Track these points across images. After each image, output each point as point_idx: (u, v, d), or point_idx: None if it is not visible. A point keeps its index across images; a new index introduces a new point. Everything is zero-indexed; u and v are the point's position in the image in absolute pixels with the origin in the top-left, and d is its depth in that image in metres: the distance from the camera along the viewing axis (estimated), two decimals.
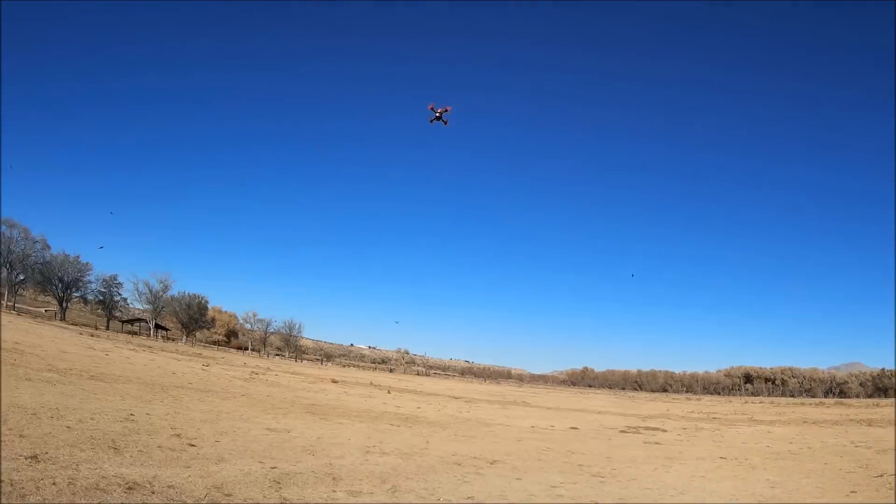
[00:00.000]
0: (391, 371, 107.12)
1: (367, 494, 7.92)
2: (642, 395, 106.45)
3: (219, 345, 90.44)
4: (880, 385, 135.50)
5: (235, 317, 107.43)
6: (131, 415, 11.49)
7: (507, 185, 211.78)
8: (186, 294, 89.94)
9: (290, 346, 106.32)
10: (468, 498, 8.40)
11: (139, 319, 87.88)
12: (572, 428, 22.78)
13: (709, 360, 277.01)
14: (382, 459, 10.90)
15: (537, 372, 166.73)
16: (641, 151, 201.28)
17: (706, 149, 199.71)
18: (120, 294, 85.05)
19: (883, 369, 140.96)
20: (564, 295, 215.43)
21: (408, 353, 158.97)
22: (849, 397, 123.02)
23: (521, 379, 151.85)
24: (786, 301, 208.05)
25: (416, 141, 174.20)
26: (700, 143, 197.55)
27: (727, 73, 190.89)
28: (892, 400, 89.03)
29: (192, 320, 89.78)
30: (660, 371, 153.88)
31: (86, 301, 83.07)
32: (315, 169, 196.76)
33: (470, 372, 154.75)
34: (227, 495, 6.89)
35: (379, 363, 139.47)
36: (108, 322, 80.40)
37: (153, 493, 6.44)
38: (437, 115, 20.03)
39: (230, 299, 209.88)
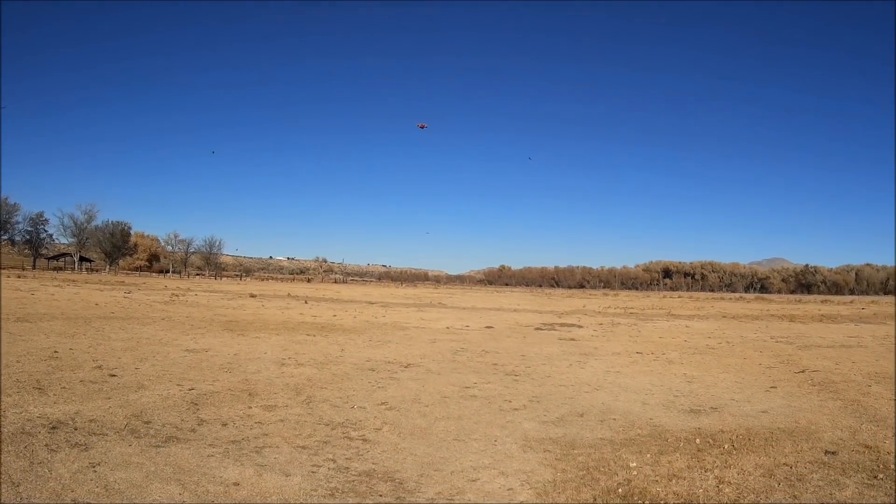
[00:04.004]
0: (309, 281, 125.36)
1: (283, 408, 9.59)
2: (559, 291, 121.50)
3: (141, 270, 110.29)
4: (804, 281, 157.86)
5: (157, 240, 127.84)
6: (55, 352, 13.82)
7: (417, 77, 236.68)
8: (109, 223, 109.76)
9: (210, 264, 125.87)
10: (382, 403, 10.17)
11: (65, 254, 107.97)
12: (487, 327, 26.33)
13: (628, 255, 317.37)
14: (298, 371, 13.08)
15: (454, 273, 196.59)
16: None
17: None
18: (46, 231, 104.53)
19: (807, 265, 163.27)
20: (481, 193, 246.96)
21: (326, 262, 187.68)
22: (770, 293, 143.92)
23: (438, 280, 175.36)
24: (709, 195, 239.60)
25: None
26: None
27: None
28: (816, 297, 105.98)
29: (115, 248, 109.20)
30: (577, 267, 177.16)
31: (13, 243, 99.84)
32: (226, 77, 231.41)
33: (387, 276, 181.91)
34: (146, 423, 8.29)
35: (298, 274, 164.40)
36: (34, 261, 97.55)
37: (76, 429, 7.75)
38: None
39: (154, 222, 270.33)
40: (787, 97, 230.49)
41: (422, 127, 46.90)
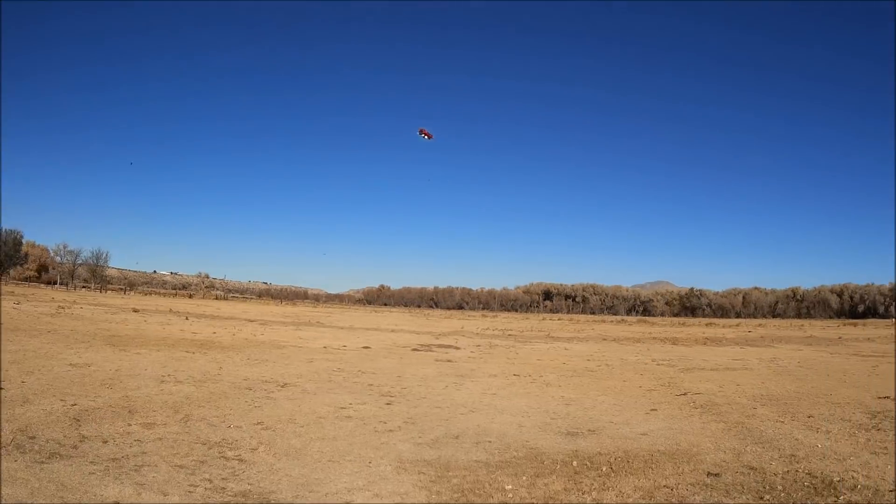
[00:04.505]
0: (191, 297, 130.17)
1: (161, 425, 9.92)
2: (438, 312, 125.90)
3: (30, 281, 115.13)
4: (688, 304, 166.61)
5: (47, 250, 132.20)
6: None
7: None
8: (2, 230, 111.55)
9: (96, 276, 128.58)
10: (258, 423, 10.49)
11: None
12: (364, 347, 26.82)
13: (508, 276, 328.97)
14: (176, 388, 13.59)
15: (334, 291, 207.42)
16: None
17: None
18: None
19: (692, 288, 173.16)
20: (361, 211, 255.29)
21: (208, 278, 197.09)
22: (654, 315, 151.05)
23: (317, 299, 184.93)
24: (592, 217, 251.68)
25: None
26: None
27: None
28: (701, 319, 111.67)
29: (7, 258, 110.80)
30: (457, 288, 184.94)
31: None
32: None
33: (268, 294, 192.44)
34: (31, 438, 8.60)
35: (180, 289, 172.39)
36: None
37: None
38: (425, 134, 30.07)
39: (46, 232, 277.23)
40: (656, 109, 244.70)
41: (425, 135, 38.26)
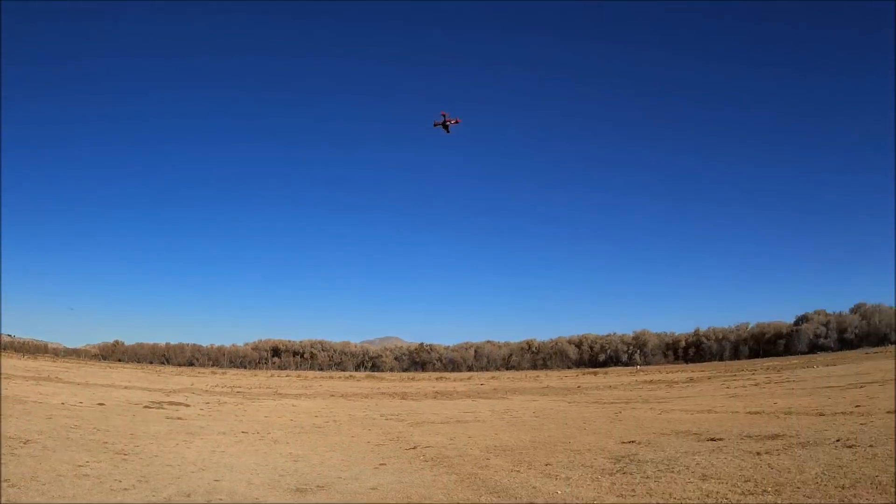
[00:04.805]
0: None
1: None
2: (169, 368, 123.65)
3: None
4: (418, 359, 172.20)
5: None
6: None
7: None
8: None
9: None
10: (4, 480, 10.40)
11: None
12: (100, 404, 26.20)
13: (237, 333, 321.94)
14: None
15: (72, 346, 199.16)
16: None
17: None
18: None
19: (421, 343, 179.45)
20: (97, 260, 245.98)
21: None
22: (382, 371, 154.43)
23: (56, 353, 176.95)
24: (318, 275, 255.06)
25: None
26: None
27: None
28: (431, 374, 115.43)
29: None
30: (187, 344, 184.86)
31: None
32: None
33: (11, 347, 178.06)
34: None
35: None
36: None
37: None
38: (444, 122, 29.55)
39: None
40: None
41: (447, 123, 30.03)
